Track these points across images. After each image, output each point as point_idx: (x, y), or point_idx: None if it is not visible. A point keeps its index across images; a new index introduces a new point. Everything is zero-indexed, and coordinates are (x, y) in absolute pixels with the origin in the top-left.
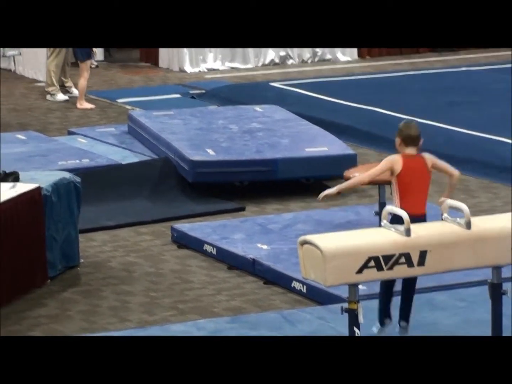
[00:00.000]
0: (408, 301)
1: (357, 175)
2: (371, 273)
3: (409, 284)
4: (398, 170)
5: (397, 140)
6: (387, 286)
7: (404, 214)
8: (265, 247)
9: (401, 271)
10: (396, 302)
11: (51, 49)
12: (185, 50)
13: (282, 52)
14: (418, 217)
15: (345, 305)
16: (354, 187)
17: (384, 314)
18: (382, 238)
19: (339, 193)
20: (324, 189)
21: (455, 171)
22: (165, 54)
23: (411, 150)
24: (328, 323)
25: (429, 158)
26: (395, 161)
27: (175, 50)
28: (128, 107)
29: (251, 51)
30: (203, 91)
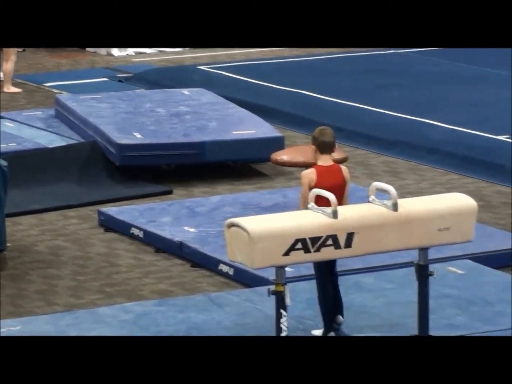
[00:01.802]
0: (336, 292)
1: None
2: (298, 255)
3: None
4: (313, 182)
5: (312, 148)
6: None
7: (331, 196)
8: (192, 230)
9: (328, 253)
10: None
11: None
12: None
13: None
14: None
15: (272, 287)
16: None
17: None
18: (309, 220)
19: None
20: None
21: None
22: None
23: (325, 157)
24: (255, 305)
25: (345, 170)
26: (310, 174)
27: None
28: (55, 90)
29: None
30: (131, 75)
